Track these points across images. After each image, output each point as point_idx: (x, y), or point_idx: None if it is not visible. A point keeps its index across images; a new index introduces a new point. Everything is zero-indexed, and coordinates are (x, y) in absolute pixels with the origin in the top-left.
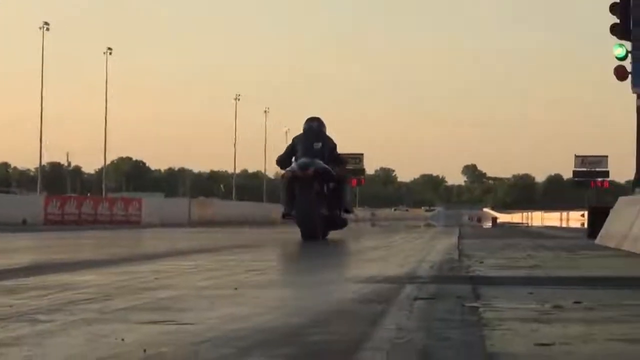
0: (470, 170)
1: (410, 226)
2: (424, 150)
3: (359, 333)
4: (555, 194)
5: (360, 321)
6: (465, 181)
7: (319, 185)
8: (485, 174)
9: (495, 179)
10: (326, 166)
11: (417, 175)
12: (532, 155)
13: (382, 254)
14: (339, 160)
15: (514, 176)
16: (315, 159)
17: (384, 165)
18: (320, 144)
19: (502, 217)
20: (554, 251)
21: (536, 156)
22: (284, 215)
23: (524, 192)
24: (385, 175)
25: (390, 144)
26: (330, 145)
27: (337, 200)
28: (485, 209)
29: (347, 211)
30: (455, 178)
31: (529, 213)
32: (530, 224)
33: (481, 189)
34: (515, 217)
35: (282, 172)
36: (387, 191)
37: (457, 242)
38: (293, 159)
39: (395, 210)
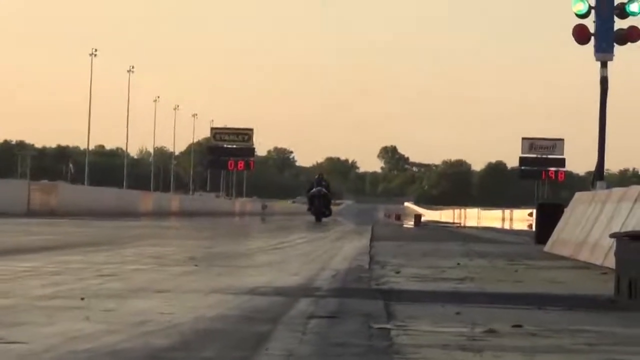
0: (389, 154)
1: (312, 223)
2: (330, 128)
3: None
4: (497, 187)
5: (239, 344)
6: (382, 167)
7: (323, 198)
8: (407, 159)
9: (420, 165)
10: (326, 191)
11: (321, 159)
12: (468, 138)
13: (272, 258)
14: (329, 190)
15: (444, 163)
16: (322, 189)
17: (279, 145)
18: (324, 183)
19: (429, 215)
20: (492, 260)
21: (473, 139)
22: (308, 209)
23: (457, 184)
24: (281, 158)
25: (287, 119)
26: (326, 184)
27: (328, 204)
28: (407, 204)
29: (330, 210)
30: (370, 163)
31: (463, 210)
32: (463, 224)
33: (402, 178)
34: (446, 215)
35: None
36: (283, 178)
37: (368, 245)
38: (314, 189)
39: (293, 202)
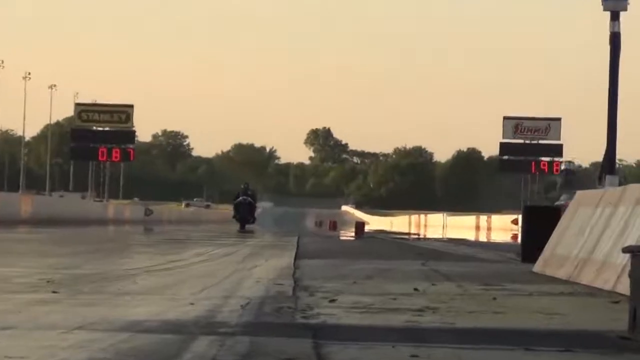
0: (321, 140)
1: (215, 234)
2: (241, 108)
3: None
4: (469, 185)
5: None
6: (311, 158)
7: (248, 206)
8: (346, 146)
9: (364, 155)
10: (251, 200)
11: (226, 146)
12: (430, 118)
13: (161, 281)
14: (255, 199)
15: (397, 152)
16: (247, 197)
17: (169, 128)
18: (249, 192)
19: (375, 222)
20: (461, 283)
21: (436, 119)
22: (234, 217)
23: (415, 181)
24: (172, 146)
25: (179, 94)
26: (253, 192)
27: (252, 212)
28: (345, 208)
29: (254, 218)
30: (295, 152)
31: (422, 216)
32: (423, 236)
33: (339, 172)
34: (399, 223)
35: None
36: (174, 173)
37: (292, 265)
38: (240, 197)
39: (187, 205)
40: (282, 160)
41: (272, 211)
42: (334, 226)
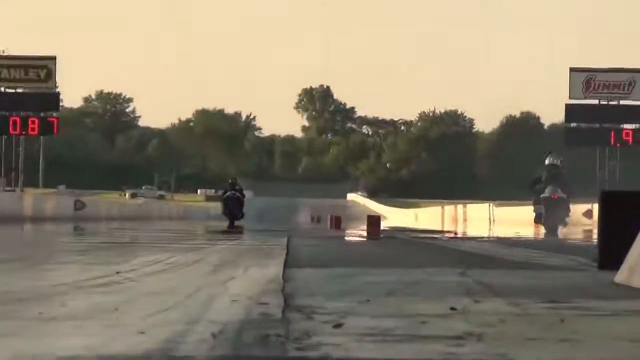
0: (319, 103)
1: (175, 235)
2: (205, 61)
3: None
4: (523, 164)
5: None
6: (305, 128)
7: (237, 201)
8: (353, 111)
9: (379, 124)
10: (239, 195)
11: (188, 113)
12: (468, 75)
13: (100, 302)
14: (242, 194)
15: (423, 119)
16: (236, 192)
17: (107, 89)
18: (237, 187)
19: (395, 217)
20: (516, 300)
21: (477, 77)
22: (223, 212)
23: (449, 158)
24: (113, 114)
25: (123, 46)
26: (240, 188)
27: (241, 207)
28: (353, 196)
29: (243, 213)
30: (282, 121)
31: (459, 207)
32: (462, 234)
33: (344, 148)
34: (427, 217)
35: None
36: (115, 152)
37: (281, 276)
38: (228, 192)
39: (134, 196)
40: (265, 133)
41: (253, 203)
42: (337, 223)
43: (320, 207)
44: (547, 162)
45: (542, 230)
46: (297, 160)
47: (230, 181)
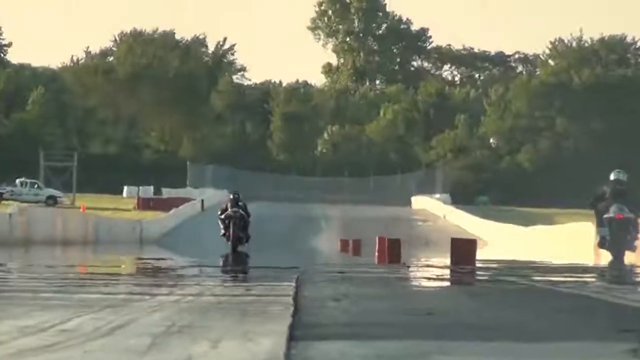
0: (362, 15)
1: (75, 274)
2: None
3: None
4: None
5: None
6: (330, 69)
7: (240, 220)
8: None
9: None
10: (243, 213)
11: (103, 41)
12: None
13: None
14: (247, 211)
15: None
16: (239, 210)
17: None
18: (240, 204)
19: (504, 238)
20: None
21: None
22: (223, 234)
23: (616, 124)
24: None
25: None
26: (243, 205)
27: (245, 228)
28: (425, 199)
29: (248, 235)
30: (284, 62)
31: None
32: None
33: (408, 107)
34: (572, 238)
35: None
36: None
37: (281, 357)
38: (229, 209)
39: (2, 199)
40: (253, 77)
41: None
42: (392, 251)
43: (359, 220)
44: (611, 177)
45: (607, 256)
46: (313, 130)
47: (231, 196)
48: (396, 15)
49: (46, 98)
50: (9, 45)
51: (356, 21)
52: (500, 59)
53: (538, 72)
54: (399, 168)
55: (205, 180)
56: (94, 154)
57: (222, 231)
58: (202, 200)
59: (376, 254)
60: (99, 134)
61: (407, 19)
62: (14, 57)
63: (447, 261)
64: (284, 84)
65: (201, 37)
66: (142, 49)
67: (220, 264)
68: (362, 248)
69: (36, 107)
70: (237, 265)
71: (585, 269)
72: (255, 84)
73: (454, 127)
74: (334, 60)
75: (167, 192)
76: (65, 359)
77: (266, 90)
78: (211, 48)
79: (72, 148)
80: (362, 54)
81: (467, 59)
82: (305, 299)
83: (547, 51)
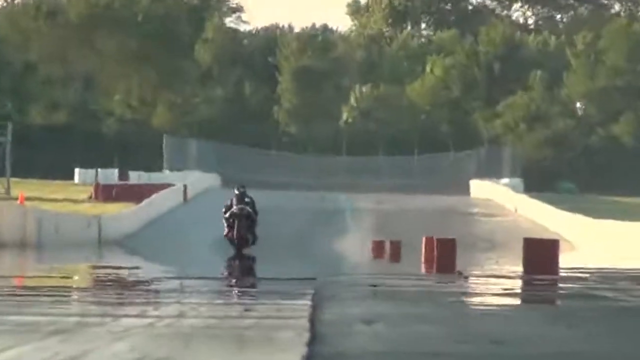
0: None
1: (24, 292)
2: None
3: None
4: None
5: None
6: (357, 9)
7: (247, 219)
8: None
9: None
10: (250, 211)
11: None
12: None
13: None
14: (254, 209)
15: None
16: (245, 207)
17: None
18: (247, 199)
19: (599, 244)
20: None
21: None
22: (226, 235)
23: None
24: None
25: None
26: (251, 201)
27: (252, 228)
28: (490, 184)
29: (255, 236)
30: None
31: None
32: None
33: (464, 60)
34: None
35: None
36: None
37: None
38: (234, 206)
39: None
40: (256, 21)
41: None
42: (444, 255)
43: (398, 214)
44: None
45: None
46: (336, 93)
47: (236, 191)
48: None
49: None
50: None
51: None
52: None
53: None
54: (453, 143)
55: (187, 160)
56: (35, 125)
57: (226, 230)
58: (185, 187)
59: (422, 259)
60: (43, 97)
61: None
62: None
63: (520, 270)
64: (296, 30)
65: None
66: None
67: (224, 268)
68: (402, 252)
69: None
70: (239, 274)
71: None
72: (257, 29)
73: (528, 88)
74: None
75: (135, 177)
76: None
77: (271, 38)
78: None
79: (5, 117)
80: None
81: None
82: (325, 322)
83: None
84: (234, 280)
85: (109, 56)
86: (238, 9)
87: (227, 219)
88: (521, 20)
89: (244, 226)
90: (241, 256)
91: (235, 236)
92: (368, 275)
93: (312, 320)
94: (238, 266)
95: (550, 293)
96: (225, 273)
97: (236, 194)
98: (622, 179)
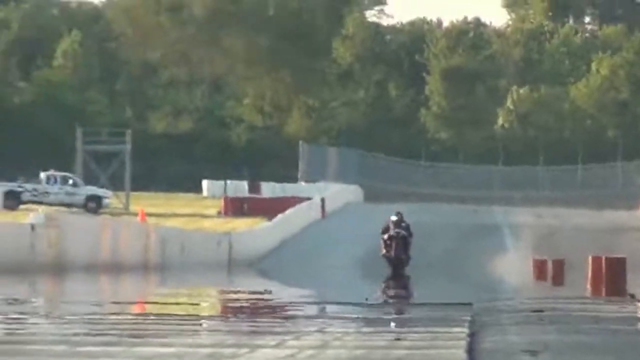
0: None
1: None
2: None
3: None
4: None
5: None
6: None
7: (403, 241)
8: None
9: None
10: (406, 234)
11: None
12: None
13: None
14: (410, 232)
15: None
16: (401, 231)
17: None
18: (404, 224)
19: None
20: None
21: None
22: (383, 255)
23: None
24: None
25: None
26: (407, 226)
27: (407, 249)
28: None
29: (409, 256)
30: None
31: None
32: None
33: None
34: None
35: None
36: None
37: None
38: (392, 230)
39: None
40: (401, 15)
41: (359, 219)
42: (609, 274)
43: (562, 231)
44: None
45: None
46: (491, 95)
47: (393, 218)
48: None
49: (84, 48)
50: None
51: None
52: None
53: None
54: (622, 151)
55: (325, 170)
56: (156, 133)
57: (383, 251)
58: (323, 200)
59: (589, 281)
60: (165, 102)
61: None
62: None
63: None
64: (445, 24)
65: None
66: None
67: (381, 288)
68: (566, 272)
69: (69, 63)
70: (394, 296)
71: None
72: (402, 24)
73: None
74: None
75: (268, 189)
76: None
77: (418, 34)
78: None
79: (123, 124)
80: None
81: None
82: (484, 352)
83: None
84: (383, 306)
85: (238, 56)
86: (381, 1)
87: (384, 240)
88: None
89: (400, 247)
90: (398, 276)
91: (392, 256)
92: (530, 299)
93: (470, 351)
94: (392, 287)
95: None
96: (377, 294)
97: (393, 220)
98: None
